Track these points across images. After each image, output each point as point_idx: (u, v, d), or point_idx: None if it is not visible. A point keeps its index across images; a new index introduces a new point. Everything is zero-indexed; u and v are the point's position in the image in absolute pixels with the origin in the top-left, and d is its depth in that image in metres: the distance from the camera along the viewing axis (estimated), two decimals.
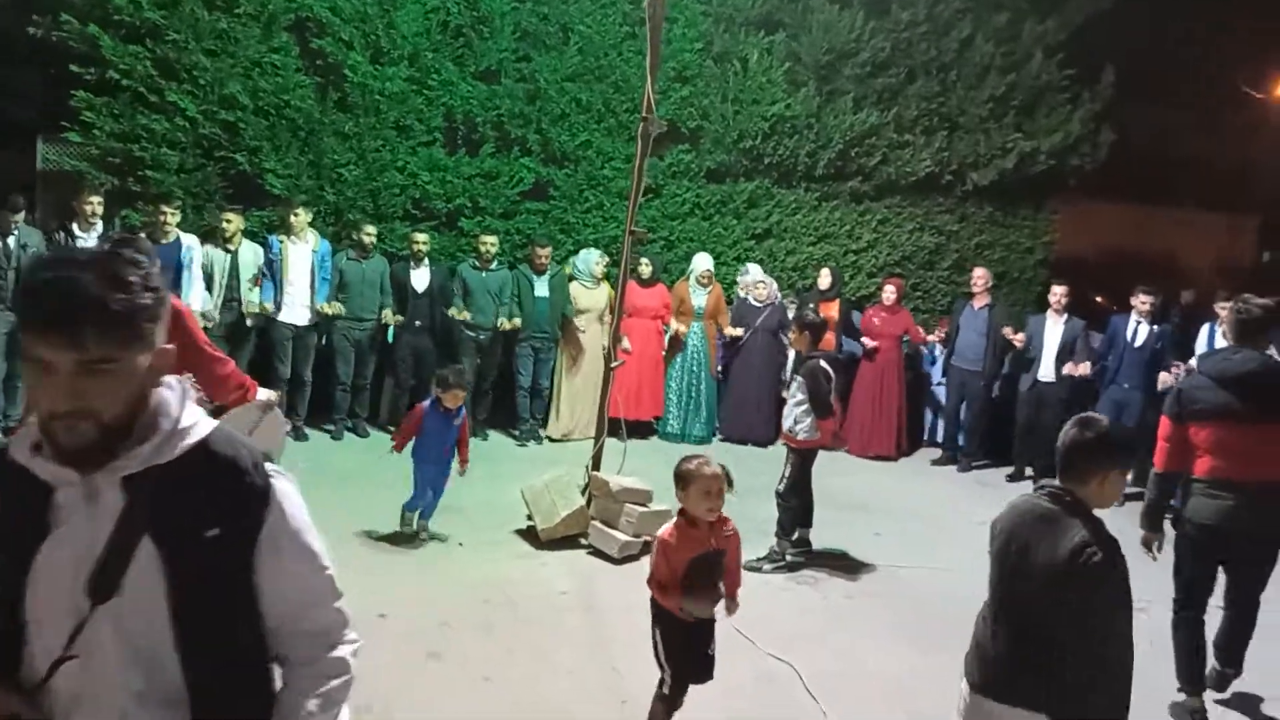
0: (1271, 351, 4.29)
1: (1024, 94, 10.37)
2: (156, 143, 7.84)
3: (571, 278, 8.61)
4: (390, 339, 8.21)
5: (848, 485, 7.67)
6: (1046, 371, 8.15)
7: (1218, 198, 19.77)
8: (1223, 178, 20.93)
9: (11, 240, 6.90)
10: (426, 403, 5.61)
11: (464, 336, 8.15)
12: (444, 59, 8.65)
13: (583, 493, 5.85)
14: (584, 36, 9.03)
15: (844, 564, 5.83)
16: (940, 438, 9.20)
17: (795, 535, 5.68)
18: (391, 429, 8.00)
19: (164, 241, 7.13)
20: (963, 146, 10.24)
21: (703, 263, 9.04)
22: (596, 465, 5.96)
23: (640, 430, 8.77)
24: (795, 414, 5.54)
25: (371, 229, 8.05)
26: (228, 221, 7.56)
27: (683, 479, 3.39)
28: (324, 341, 8.03)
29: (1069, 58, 10.50)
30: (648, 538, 5.76)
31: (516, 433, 8.48)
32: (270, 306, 7.52)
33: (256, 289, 7.59)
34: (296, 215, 7.68)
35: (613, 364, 5.90)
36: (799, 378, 5.58)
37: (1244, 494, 3.93)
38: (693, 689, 3.52)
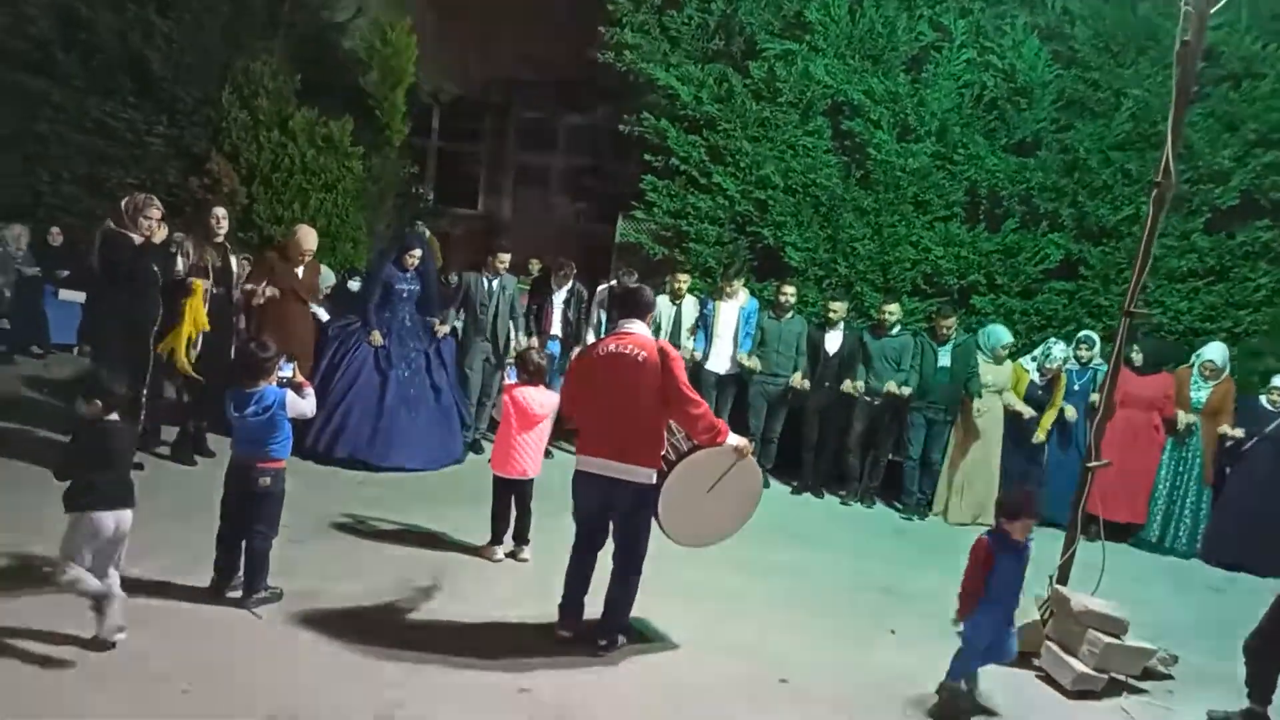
0: None
1: None
2: (701, 219, 8.49)
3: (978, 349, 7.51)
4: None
5: None
6: None
7: None
8: None
9: (495, 283, 7.43)
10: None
11: (862, 403, 7.44)
12: (973, 133, 8.06)
13: (1040, 606, 4.81)
14: (1139, 101, 7.72)
15: None
16: None
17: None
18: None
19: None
20: None
21: (1209, 352, 7.26)
22: (1064, 578, 4.86)
23: (1113, 534, 7.08)
24: None
25: (789, 289, 7.65)
26: (680, 281, 7.84)
27: None
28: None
29: None
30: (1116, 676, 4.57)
31: (899, 506, 7.58)
32: (699, 354, 7.62)
33: (692, 338, 7.75)
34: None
35: (1092, 463, 4.77)
36: None
37: None
38: None
